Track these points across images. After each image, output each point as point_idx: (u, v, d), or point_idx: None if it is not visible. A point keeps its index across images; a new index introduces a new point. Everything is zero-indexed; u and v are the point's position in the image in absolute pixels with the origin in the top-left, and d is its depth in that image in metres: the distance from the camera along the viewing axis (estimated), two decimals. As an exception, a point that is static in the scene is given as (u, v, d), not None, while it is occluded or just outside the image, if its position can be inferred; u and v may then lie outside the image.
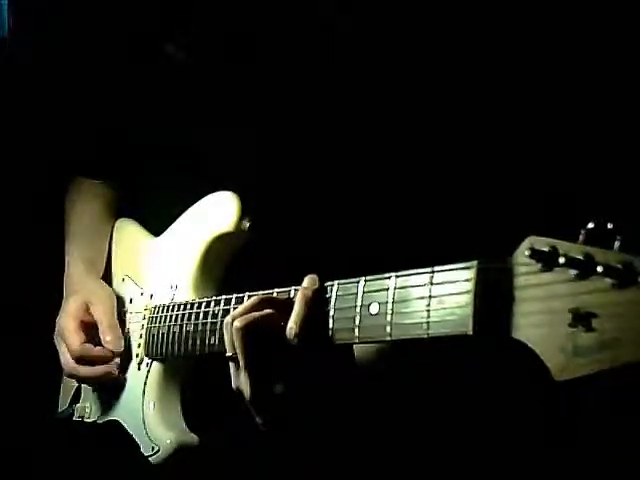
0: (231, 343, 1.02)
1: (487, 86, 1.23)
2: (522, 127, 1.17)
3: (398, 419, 1.21)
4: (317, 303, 0.99)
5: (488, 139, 1.19)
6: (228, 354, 1.03)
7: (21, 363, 1.61)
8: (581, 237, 0.76)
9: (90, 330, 1.40)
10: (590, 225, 0.76)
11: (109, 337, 1.37)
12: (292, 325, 0.99)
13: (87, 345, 1.38)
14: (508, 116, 1.19)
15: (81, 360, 1.38)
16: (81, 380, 1.45)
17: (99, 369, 1.37)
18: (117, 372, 1.36)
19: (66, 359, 1.40)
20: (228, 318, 1.03)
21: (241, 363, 1.01)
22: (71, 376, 1.44)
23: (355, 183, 1.31)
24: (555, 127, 1.16)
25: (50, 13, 1.75)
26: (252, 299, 1.05)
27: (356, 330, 0.94)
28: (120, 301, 1.46)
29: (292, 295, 1.04)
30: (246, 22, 1.37)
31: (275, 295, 1.07)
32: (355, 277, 0.98)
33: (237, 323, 1.01)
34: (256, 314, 1.02)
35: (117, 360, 1.37)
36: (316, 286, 1.01)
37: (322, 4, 1.35)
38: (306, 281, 1.02)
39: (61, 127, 1.63)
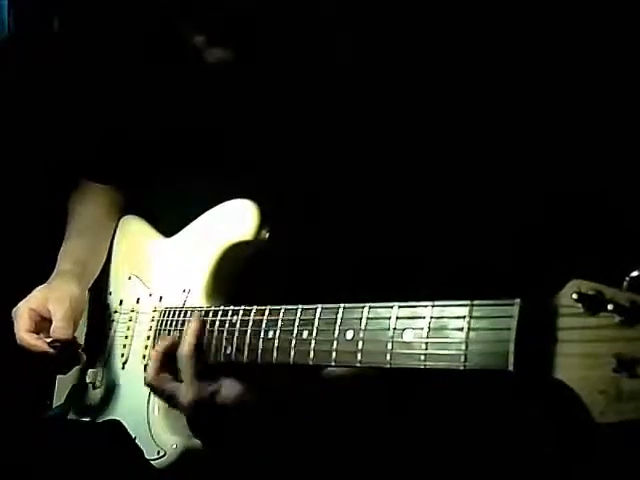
0: None
1: (502, 92, 1.25)
2: (565, 160, 1.20)
3: (403, 431, 1.23)
4: (346, 323, 1.00)
5: (525, 172, 1.21)
6: None
7: (19, 362, 1.59)
8: (625, 284, 0.78)
9: (41, 321, 1.40)
10: (634, 273, 0.78)
11: (58, 324, 1.38)
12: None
13: (32, 334, 1.38)
14: (548, 148, 1.21)
15: (24, 347, 1.39)
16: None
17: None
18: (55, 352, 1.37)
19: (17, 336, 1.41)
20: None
21: None
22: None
23: (366, 189, 1.32)
24: (599, 159, 1.18)
25: (53, 13, 1.73)
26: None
27: (388, 355, 0.94)
28: (124, 300, 1.47)
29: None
30: (247, 22, 1.37)
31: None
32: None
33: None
34: None
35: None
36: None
37: (323, 6, 1.36)
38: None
39: (68, 128, 1.62)
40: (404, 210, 1.32)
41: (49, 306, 1.41)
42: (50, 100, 1.64)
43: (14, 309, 1.43)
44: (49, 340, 1.37)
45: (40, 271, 1.48)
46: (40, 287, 1.45)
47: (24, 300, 1.43)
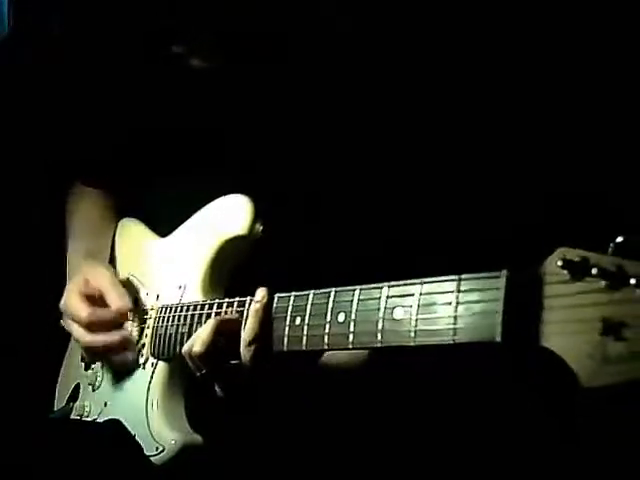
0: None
1: (502, 87, 1.25)
2: (548, 136, 1.20)
3: (400, 420, 1.23)
4: (338, 307, 1.01)
5: (513, 147, 1.22)
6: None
7: (19, 362, 1.60)
8: (610, 249, 0.78)
9: (94, 301, 1.38)
10: (619, 239, 0.78)
11: (112, 295, 1.35)
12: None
13: (95, 310, 1.35)
14: (533, 120, 1.21)
15: (93, 327, 1.36)
16: (101, 352, 1.40)
17: (114, 334, 1.35)
18: (129, 336, 1.35)
19: (79, 333, 1.38)
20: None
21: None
22: (90, 349, 1.40)
23: (371, 185, 1.33)
24: (582, 137, 1.19)
25: (51, 12, 1.75)
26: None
27: (379, 334, 0.95)
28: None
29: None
30: (247, 22, 1.39)
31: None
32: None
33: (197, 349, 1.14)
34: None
35: (129, 325, 1.35)
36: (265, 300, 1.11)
37: (322, 4, 1.37)
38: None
39: (62, 129, 1.63)
40: (401, 202, 1.32)
41: (92, 284, 1.38)
42: (47, 102, 1.65)
43: (60, 305, 1.40)
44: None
45: (38, 271, 1.49)
46: (72, 279, 1.43)
47: (65, 299, 1.40)
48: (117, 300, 1.35)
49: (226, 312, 1.19)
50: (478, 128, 1.25)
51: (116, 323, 1.36)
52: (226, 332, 1.14)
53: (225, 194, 1.33)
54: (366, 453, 1.22)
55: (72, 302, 1.39)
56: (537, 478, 1.14)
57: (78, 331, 1.38)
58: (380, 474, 1.21)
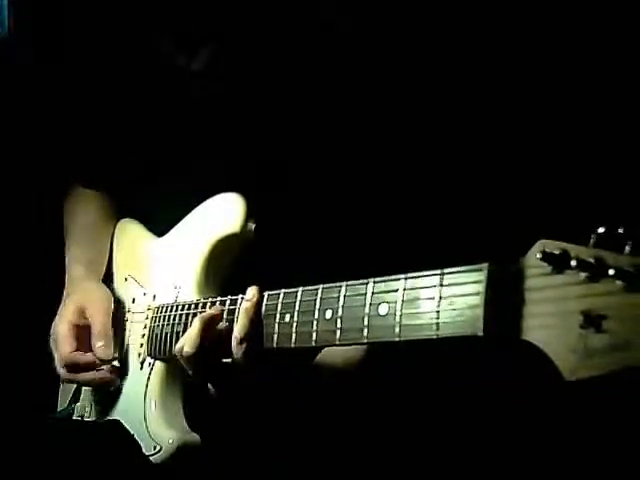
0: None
1: (491, 85, 1.24)
2: (529, 129, 1.19)
3: (401, 421, 1.22)
4: (325, 303, 1.00)
5: (495, 140, 1.21)
6: None
7: (21, 362, 1.61)
8: (592, 241, 0.77)
9: (84, 334, 1.39)
10: (600, 229, 0.77)
11: (99, 343, 1.36)
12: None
13: (76, 353, 1.37)
14: (516, 117, 1.20)
15: (71, 367, 1.38)
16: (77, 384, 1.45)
17: (87, 376, 1.38)
18: (109, 378, 1.37)
19: (58, 365, 1.41)
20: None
21: None
22: (66, 381, 1.45)
23: (359, 184, 1.32)
24: (564, 130, 1.18)
25: (51, 13, 1.76)
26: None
27: (365, 330, 0.94)
28: (122, 301, 1.47)
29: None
30: (247, 22, 1.38)
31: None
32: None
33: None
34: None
35: (107, 367, 1.37)
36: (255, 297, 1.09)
37: (322, 4, 1.37)
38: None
39: (60, 130, 1.64)
40: (392, 200, 1.32)
41: (87, 316, 1.39)
42: (46, 102, 1.66)
43: (52, 331, 1.41)
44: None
45: (39, 272, 1.49)
46: (69, 300, 1.44)
47: (57, 323, 1.41)
48: (102, 350, 1.35)
49: (204, 310, 1.19)
50: (466, 124, 1.24)
51: (94, 366, 1.37)
52: (213, 329, 1.14)
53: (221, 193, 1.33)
54: (363, 453, 1.22)
55: (61, 332, 1.39)
56: (530, 476, 1.13)
57: (57, 362, 1.40)
58: (376, 474, 1.21)
